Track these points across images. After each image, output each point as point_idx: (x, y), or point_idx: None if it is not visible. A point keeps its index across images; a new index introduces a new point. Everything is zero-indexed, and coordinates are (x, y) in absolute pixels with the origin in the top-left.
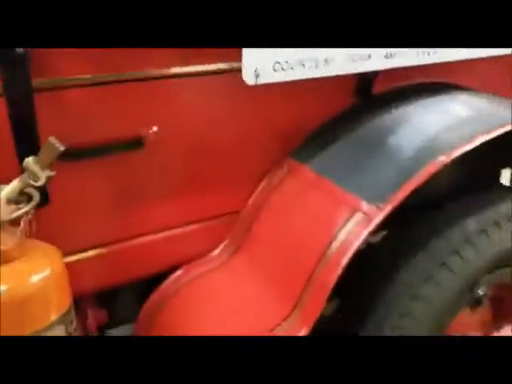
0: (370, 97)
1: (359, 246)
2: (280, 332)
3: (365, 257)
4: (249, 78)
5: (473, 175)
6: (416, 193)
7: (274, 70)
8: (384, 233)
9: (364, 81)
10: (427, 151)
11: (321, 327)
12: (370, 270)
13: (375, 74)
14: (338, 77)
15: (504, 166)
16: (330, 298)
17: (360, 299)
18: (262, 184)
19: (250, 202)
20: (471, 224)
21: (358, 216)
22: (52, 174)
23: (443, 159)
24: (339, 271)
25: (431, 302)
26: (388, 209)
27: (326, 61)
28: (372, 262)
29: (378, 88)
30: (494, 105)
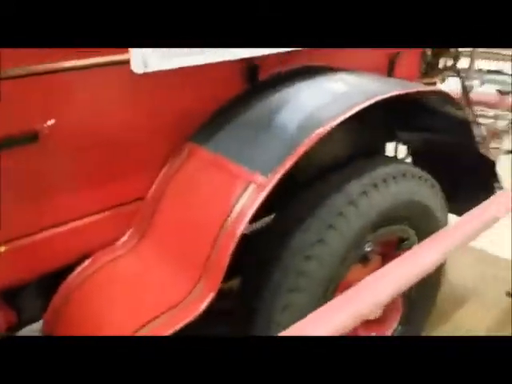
0: (258, 82)
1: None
2: (187, 303)
3: (259, 238)
4: (137, 67)
5: (358, 145)
6: (303, 167)
7: (162, 58)
8: (273, 215)
9: (250, 68)
10: (306, 127)
11: (225, 304)
12: (265, 246)
13: (259, 61)
14: (226, 66)
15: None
16: (231, 276)
17: (257, 272)
18: (164, 169)
19: (153, 187)
20: (352, 187)
21: (252, 187)
22: None
23: (320, 132)
24: (237, 238)
25: (323, 261)
26: (277, 177)
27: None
28: (265, 239)
29: (264, 74)
30: (367, 81)
